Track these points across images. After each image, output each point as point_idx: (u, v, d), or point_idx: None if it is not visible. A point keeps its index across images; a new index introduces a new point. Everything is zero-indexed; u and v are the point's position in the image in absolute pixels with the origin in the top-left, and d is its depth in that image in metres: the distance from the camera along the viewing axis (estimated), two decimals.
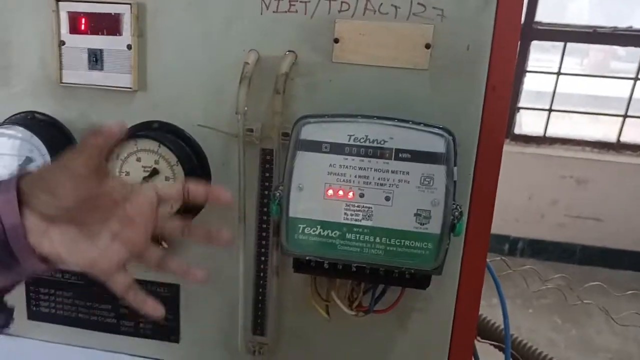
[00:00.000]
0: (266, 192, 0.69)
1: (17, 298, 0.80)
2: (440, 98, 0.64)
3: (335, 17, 0.64)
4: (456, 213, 0.57)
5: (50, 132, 0.72)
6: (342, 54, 0.65)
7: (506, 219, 2.82)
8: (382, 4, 0.63)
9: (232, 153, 0.68)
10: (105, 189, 0.44)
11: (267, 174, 0.68)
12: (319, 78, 0.66)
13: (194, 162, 0.68)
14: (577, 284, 1.12)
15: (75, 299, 0.79)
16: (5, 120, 0.73)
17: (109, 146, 0.44)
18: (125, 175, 0.67)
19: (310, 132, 0.58)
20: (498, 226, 2.87)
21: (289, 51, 0.65)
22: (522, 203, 2.81)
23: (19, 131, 0.70)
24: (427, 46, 0.63)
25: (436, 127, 0.57)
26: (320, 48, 0.65)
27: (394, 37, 0.64)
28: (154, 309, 0.47)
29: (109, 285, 0.46)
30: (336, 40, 0.64)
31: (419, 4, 0.62)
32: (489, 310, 0.99)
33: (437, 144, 0.56)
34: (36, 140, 0.70)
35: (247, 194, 0.68)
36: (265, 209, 0.69)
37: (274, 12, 0.65)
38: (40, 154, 0.70)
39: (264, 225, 0.70)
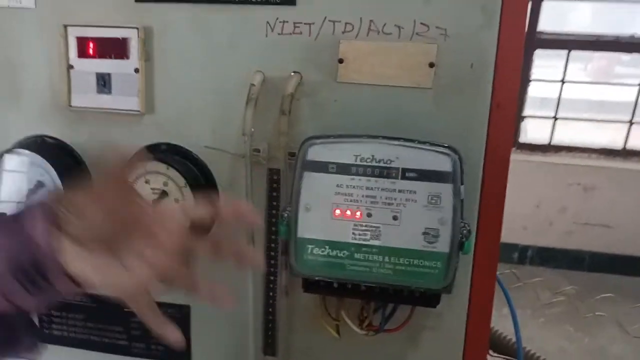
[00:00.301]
0: (274, 212, 0.69)
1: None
2: (445, 116, 0.64)
3: (340, 37, 0.65)
4: (464, 231, 0.57)
5: (60, 156, 0.73)
6: (346, 74, 0.65)
7: (514, 228, 2.81)
8: (385, 24, 0.64)
9: (239, 174, 0.69)
10: (134, 212, 0.44)
11: (275, 194, 0.69)
12: (324, 98, 0.66)
13: (202, 184, 0.69)
14: (588, 294, 1.11)
15: (87, 321, 0.79)
16: (15, 144, 0.73)
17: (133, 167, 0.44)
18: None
19: (317, 153, 0.59)
20: (507, 235, 2.85)
21: (294, 72, 0.66)
22: (530, 211, 2.80)
23: (30, 155, 0.71)
24: (431, 65, 0.63)
25: (442, 146, 0.58)
26: (325, 68, 0.66)
27: (398, 57, 0.64)
28: (173, 334, 0.47)
29: (130, 306, 0.46)
30: (340, 61, 0.65)
31: (422, 23, 0.63)
32: (501, 320, 0.98)
33: (443, 163, 0.57)
34: (46, 164, 0.71)
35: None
36: (274, 229, 0.69)
37: (279, 34, 0.66)
38: (50, 178, 0.71)
39: (273, 245, 0.70)
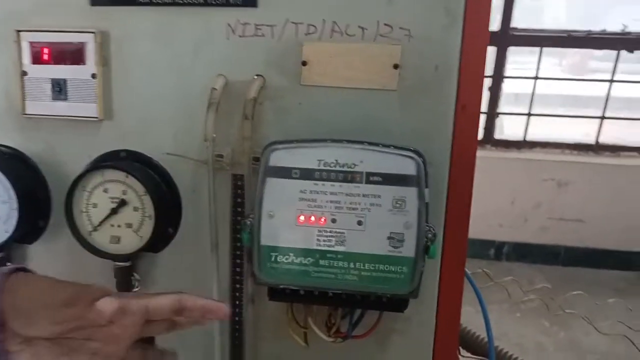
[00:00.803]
0: (239, 219, 0.67)
1: None
2: (410, 118, 0.63)
3: (303, 39, 0.63)
4: (429, 235, 0.56)
5: (15, 166, 0.70)
6: (310, 76, 0.64)
7: (490, 224, 2.84)
8: (348, 25, 0.63)
9: (202, 180, 0.67)
10: (88, 317, 0.43)
11: (239, 200, 0.67)
12: (288, 101, 0.65)
13: (163, 191, 0.67)
14: (563, 288, 1.12)
15: None
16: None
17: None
18: (93, 207, 0.66)
19: (279, 158, 0.58)
20: (483, 231, 2.90)
21: (257, 75, 0.64)
22: (505, 208, 2.83)
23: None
24: (396, 67, 0.62)
25: (406, 150, 0.57)
26: (289, 71, 0.64)
27: (362, 59, 0.63)
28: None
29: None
30: (304, 63, 0.64)
31: (385, 24, 0.62)
32: (476, 316, 0.98)
33: (407, 167, 0.56)
34: (0, 174, 0.68)
35: (219, 221, 0.67)
36: (238, 236, 0.68)
37: (240, 36, 0.65)
38: (4, 188, 0.68)
39: (238, 253, 0.69)
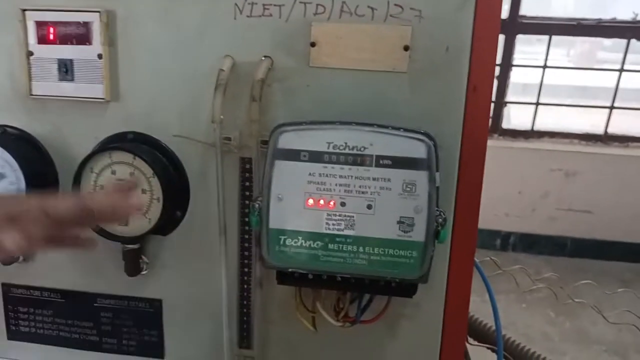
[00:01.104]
0: (247, 202, 0.67)
1: None
2: (420, 100, 0.62)
3: (311, 20, 0.62)
4: (440, 219, 0.55)
5: (22, 147, 0.70)
6: (319, 57, 0.63)
7: (497, 214, 2.82)
8: (358, 5, 0.61)
9: (210, 163, 0.66)
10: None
11: (247, 183, 0.67)
12: (296, 83, 0.64)
13: (171, 174, 0.66)
14: (570, 279, 1.11)
15: (56, 317, 0.76)
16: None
17: None
18: (100, 189, 0.65)
19: (288, 140, 0.57)
20: (489, 221, 2.89)
21: (264, 56, 0.63)
22: (512, 197, 2.81)
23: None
24: (406, 48, 0.61)
25: (417, 132, 0.56)
26: (297, 52, 0.63)
27: (372, 40, 0.62)
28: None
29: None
30: (313, 44, 0.63)
31: (396, 5, 0.61)
32: (482, 305, 0.98)
33: (418, 150, 0.55)
34: (7, 156, 0.67)
35: (227, 204, 0.66)
36: (246, 220, 0.67)
37: (247, 16, 0.63)
38: (12, 169, 0.68)
39: (246, 236, 0.68)
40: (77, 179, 0.65)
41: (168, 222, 0.67)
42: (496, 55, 0.63)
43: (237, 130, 0.65)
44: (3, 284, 0.76)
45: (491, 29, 0.61)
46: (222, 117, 0.63)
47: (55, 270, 0.74)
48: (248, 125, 0.64)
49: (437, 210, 0.55)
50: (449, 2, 0.60)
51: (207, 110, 0.64)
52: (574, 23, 2.71)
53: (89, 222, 0.51)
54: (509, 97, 2.91)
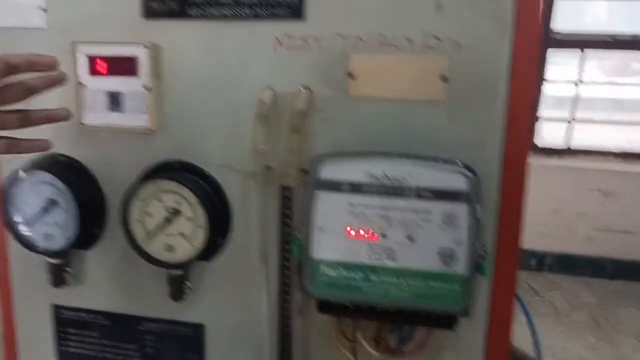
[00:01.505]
0: (287, 230, 0.68)
1: (45, 338, 0.80)
2: (459, 129, 0.63)
3: (349, 51, 0.64)
4: (481, 252, 0.55)
5: (72, 174, 0.73)
6: (357, 88, 0.64)
7: (532, 234, 2.75)
8: (395, 36, 0.62)
9: (251, 191, 0.68)
10: None
11: (288, 212, 0.68)
12: (335, 114, 0.65)
13: (215, 202, 0.68)
14: (609, 302, 1.07)
15: (102, 339, 0.79)
16: (28, 162, 0.74)
17: None
18: (147, 216, 0.68)
19: (329, 171, 0.58)
20: (524, 241, 2.80)
21: (304, 88, 0.65)
22: (548, 217, 2.74)
23: (41, 174, 0.71)
24: (443, 78, 0.62)
25: (457, 165, 0.56)
26: (336, 83, 0.65)
27: (409, 70, 0.63)
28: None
29: None
30: (351, 75, 0.64)
31: (433, 35, 0.61)
32: (519, 329, 0.95)
33: (458, 182, 0.55)
34: (58, 183, 0.71)
35: (268, 232, 0.68)
36: (287, 247, 0.68)
37: (287, 49, 0.65)
38: (63, 197, 0.71)
39: (287, 264, 0.69)
40: (125, 206, 0.67)
41: (211, 248, 0.69)
42: (535, 83, 0.63)
43: (278, 160, 0.67)
44: (55, 306, 0.79)
45: (529, 56, 0.61)
46: (263, 147, 0.65)
47: (103, 294, 0.77)
48: (288, 154, 0.66)
49: (479, 243, 0.55)
50: (487, 31, 0.60)
51: (248, 139, 0.66)
52: (609, 39, 2.66)
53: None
54: (542, 112, 2.86)
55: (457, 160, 0.57)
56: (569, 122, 2.78)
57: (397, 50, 0.63)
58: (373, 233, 0.57)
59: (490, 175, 0.62)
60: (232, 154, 0.69)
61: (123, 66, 0.70)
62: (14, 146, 0.59)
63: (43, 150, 0.62)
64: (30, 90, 0.58)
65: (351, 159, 0.58)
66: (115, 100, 0.71)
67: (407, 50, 0.62)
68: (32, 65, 0.56)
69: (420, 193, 0.55)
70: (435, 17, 0.61)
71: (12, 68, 0.54)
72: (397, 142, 0.63)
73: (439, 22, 0.61)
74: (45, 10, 0.71)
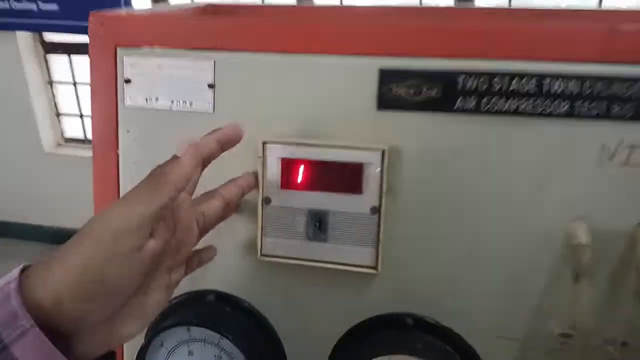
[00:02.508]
0: None
1: None
2: None
3: None
4: None
5: (241, 323, 0.49)
6: None
7: None
8: None
9: None
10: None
11: None
12: None
13: None
14: None
15: None
16: (176, 301, 0.50)
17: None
18: None
19: None
20: None
21: None
22: None
23: (205, 334, 0.47)
24: None
25: None
26: None
27: None
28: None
29: None
30: None
31: None
32: None
33: None
34: (226, 343, 0.47)
35: None
36: None
37: (622, 164, 0.41)
38: (229, 358, 0.48)
39: None
40: None
41: None
42: None
43: (592, 331, 0.43)
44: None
45: None
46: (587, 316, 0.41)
47: None
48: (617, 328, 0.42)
49: None
50: None
51: (533, 296, 0.43)
52: None
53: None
54: None
55: None
56: None
57: None
58: None
59: None
60: (508, 317, 0.45)
61: (338, 176, 0.46)
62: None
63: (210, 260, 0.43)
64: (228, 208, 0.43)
65: None
66: (319, 225, 0.47)
67: None
68: (223, 146, 0.39)
69: None
70: None
71: (206, 162, 0.39)
72: None
73: None
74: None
